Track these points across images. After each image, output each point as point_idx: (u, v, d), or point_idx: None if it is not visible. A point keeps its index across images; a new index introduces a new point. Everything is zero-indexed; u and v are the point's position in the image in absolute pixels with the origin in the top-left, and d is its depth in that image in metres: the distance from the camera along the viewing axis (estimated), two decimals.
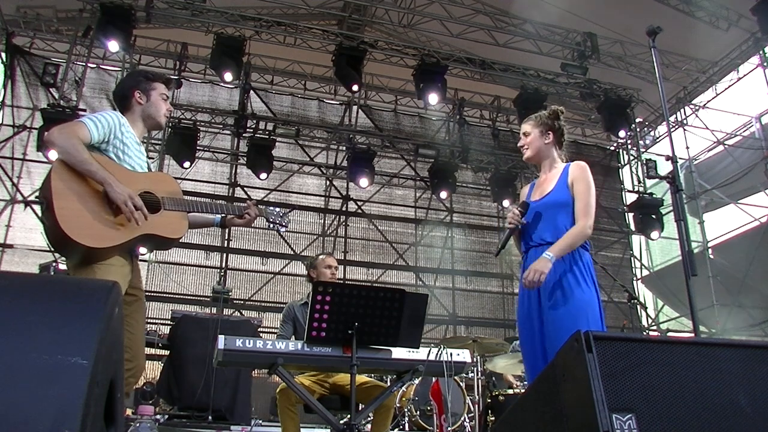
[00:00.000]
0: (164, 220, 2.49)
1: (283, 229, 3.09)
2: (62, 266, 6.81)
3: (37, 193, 9.15)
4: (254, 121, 10.51)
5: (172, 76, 10.31)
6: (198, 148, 10.03)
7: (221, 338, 2.71)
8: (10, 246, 9.47)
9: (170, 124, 9.75)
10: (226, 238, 10.56)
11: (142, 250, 2.71)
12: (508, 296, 11.80)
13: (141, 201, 2.41)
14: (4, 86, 9.78)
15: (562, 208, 2.73)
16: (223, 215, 2.85)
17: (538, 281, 2.51)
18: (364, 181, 10.41)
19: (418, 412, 5.36)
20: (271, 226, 3.04)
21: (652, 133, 12.72)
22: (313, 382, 3.59)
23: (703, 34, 9.99)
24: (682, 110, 11.71)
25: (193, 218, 2.78)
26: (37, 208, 9.11)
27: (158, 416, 5.96)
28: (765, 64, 10.24)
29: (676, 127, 11.59)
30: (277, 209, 3.10)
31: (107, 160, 2.45)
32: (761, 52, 10.26)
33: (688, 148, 11.54)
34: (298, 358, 2.80)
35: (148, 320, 9.14)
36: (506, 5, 10.35)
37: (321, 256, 4.05)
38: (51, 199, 2.23)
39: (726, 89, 11.18)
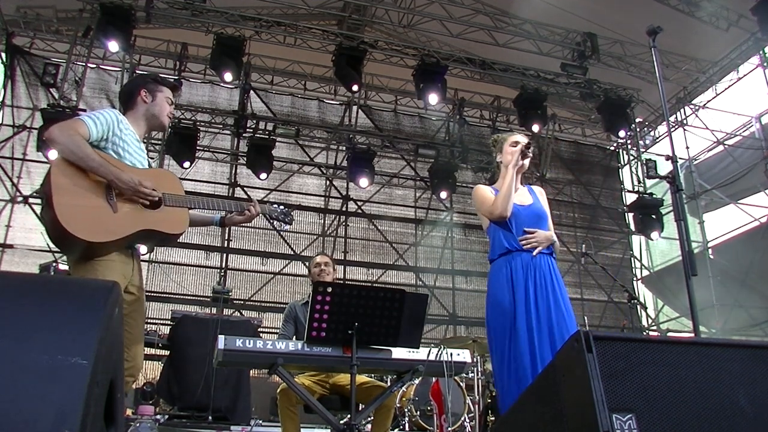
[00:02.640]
0: (164, 216, 2.49)
1: (287, 227, 3.10)
2: (62, 266, 6.81)
3: (37, 193, 9.16)
4: (254, 121, 10.51)
5: (173, 77, 10.33)
6: (198, 148, 10.03)
7: (221, 338, 2.70)
8: (10, 246, 9.47)
9: (170, 124, 9.74)
10: (226, 238, 10.56)
11: (143, 249, 2.71)
12: None
13: (150, 183, 2.44)
14: (4, 86, 9.78)
15: (544, 221, 3.06)
16: (222, 215, 2.86)
17: (539, 247, 2.92)
18: (364, 181, 10.41)
19: (418, 412, 5.36)
20: (274, 223, 3.05)
21: (652, 133, 12.73)
22: (313, 382, 3.59)
23: (703, 34, 9.99)
24: (682, 110, 11.71)
25: (193, 216, 2.77)
26: (38, 208, 9.11)
27: (158, 416, 5.96)
28: (765, 64, 10.24)
29: (676, 127, 11.59)
30: (280, 207, 3.10)
31: (108, 157, 2.46)
32: (761, 52, 10.26)
33: (688, 148, 11.54)
34: (298, 358, 2.80)
35: (148, 320, 9.14)
36: (506, 5, 10.35)
37: (314, 257, 4.14)
38: (50, 194, 2.24)
39: (726, 89, 11.19)
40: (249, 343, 2.74)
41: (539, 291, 2.82)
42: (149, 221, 2.43)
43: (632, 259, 12.47)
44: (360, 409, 3.26)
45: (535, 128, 10.24)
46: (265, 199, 11.11)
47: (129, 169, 2.48)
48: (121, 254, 2.44)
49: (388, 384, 3.64)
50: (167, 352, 6.46)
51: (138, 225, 2.40)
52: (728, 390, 1.61)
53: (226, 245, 10.57)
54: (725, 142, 11.23)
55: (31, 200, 9.49)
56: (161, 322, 8.96)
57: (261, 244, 10.82)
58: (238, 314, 9.42)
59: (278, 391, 3.43)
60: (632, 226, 11.37)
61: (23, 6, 9.65)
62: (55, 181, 2.26)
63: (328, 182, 11.85)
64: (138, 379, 2.82)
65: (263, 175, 10.16)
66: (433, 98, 9.61)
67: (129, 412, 5.62)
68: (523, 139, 3.08)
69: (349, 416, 2.90)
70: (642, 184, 11.36)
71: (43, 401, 1.01)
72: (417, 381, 5.35)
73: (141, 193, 2.40)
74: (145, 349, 2.76)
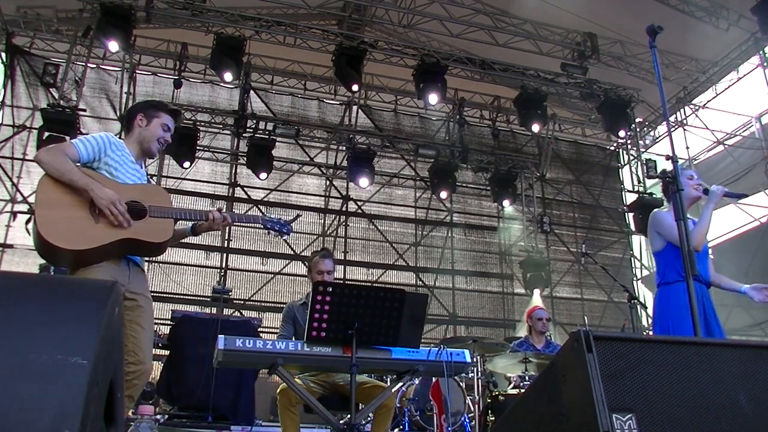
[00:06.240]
0: (147, 225, 2.56)
1: (286, 237, 3.07)
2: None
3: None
4: (254, 121, 10.51)
5: (173, 77, 10.32)
6: (198, 148, 10.03)
7: (221, 338, 2.70)
8: (10, 246, 9.47)
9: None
10: (226, 238, 10.56)
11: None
12: (508, 296, 11.79)
13: (124, 205, 2.50)
14: (4, 86, 9.78)
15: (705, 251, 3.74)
16: (194, 222, 2.84)
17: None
18: (364, 181, 10.40)
19: (418, 412, 5.35)
20: (271, 234, 3.03)
21: (652, 133, 12.72)
22: (313, 382, 3.59)
23: (703, 34, 9.98)
24: (682, 110, 11.70)
25: (174, 232, 2.75)
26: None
27: (158, 416, 5.95)
28: (765, 64, 10.24)
29: (676, 127, 11.58)
30: (278, 218, 3.06)
31: (98, 176, 2.55)
32: (761, 52, 10.25)
33: (688, 148, 11.54)
34: (298, 358, 2.80)
35: None
36: (506, 5, 10.35)
37: (315, 258, 3.88)
38: (35, 208, 2.40)
39: (726, 89, 11.18)
40: (249, 343, 2.74)
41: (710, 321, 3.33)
42: (130, 231, 2.50)
43: (632, 259, 12.46)
44: (360, 409, 3.26)
45: (535, 128, 10.24)
46: (266, 199, 11.13)
47: (115, 185, 2.55)
48: (111, 263, 2.51)
49: (388, 384, 3.63)
50: (167, 352, 6.45)
51: (118, 234, 2.47)
52: (728, 390, 1.61)
53: (226, 245, 10.57)
54: (725, 142, 11.22)
55: (30, 201, 9.48)
56: (161, 322, 8.93)
57: (261, 244, 10.82)
58: (238, 314, 9.41)
59: (278, 391, 3.42)
60: (632, 226, 11.36)
61: (23, 6, 9.64)
62: (39, 197, 2.42)
63: (328, 182, 11.84)
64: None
65: (263, 175, 10.16)
66: (433, 98, 9.61)
67: (129, 412, 5.61)
68: None
69: (349, 416, 2.90)
70: (642, 184, 11.35)
71: (43, 401, 1.01)
72: (417, 381, 5.34)
73: (113, 210, 2.44)
74: None
